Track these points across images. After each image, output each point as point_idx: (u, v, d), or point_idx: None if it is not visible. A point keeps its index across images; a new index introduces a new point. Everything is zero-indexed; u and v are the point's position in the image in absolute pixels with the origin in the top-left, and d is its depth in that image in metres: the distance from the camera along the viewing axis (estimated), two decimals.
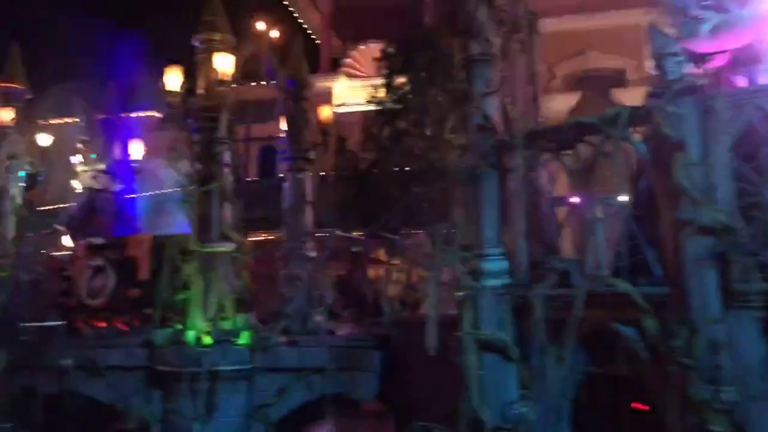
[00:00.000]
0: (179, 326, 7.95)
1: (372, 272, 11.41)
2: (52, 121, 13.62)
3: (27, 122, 10.22)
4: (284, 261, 10.10)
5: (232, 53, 8.42)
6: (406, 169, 12.98)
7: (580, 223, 5.51)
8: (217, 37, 8.46)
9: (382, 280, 11.15)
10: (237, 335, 7.66)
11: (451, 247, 5.98)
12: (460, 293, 5.80)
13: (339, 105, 25.33)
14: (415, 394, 6.97)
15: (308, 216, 10.01)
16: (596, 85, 19.01)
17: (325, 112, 10.45)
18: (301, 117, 10.25)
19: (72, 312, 9.20)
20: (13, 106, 10.13)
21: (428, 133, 14.37)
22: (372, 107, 15.25)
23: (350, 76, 24.82)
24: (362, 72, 20.73)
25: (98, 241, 9.08)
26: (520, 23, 6.84)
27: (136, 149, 12.16)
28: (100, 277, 8.71)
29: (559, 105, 19.80)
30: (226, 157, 8.21)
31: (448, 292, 6.74)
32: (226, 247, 8.01)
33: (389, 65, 15.36)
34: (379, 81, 15.37)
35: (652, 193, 4.93)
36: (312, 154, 10.25)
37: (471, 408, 5.55)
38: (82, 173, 13.01)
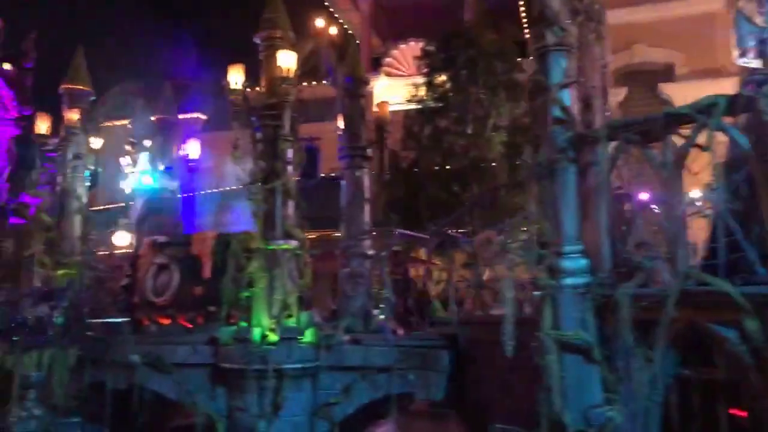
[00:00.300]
0: (244, 324, 7.96)
1: (412, 272, 11.29)
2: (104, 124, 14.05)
3: (91, 123, 10.42)
4: (342, 259, 10.08)
5: (294, 50, 8.39)
6: (447, 167, 12.75)
7: (666, 218, 5.26)
8: (279, 34, 8.45)
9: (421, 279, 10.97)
10: (302, 333, 7.62)
11: (526, 244, 5.80)
12: (539, 292, 5.61)
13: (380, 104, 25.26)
14: (485, 395, 6.80)
15: (366, 213, 9.94)
16: (643, 80, 18.23)
17: (382, 110, 10.30)
18: (358, 114, 10.19)
19: (136, 309, 9.34)
20: (78, 107, 10.37)
21: (469, 131, 14.23)
22: (412, 106, 15.14)
23: (390, 75, 24.79)
24: (402, 71, 20.63)
25: (162, 239, 9.18)
26: (593, 12, 6.58)
27: (194, 148, 12.31)
28: (164, 274, 8.81)
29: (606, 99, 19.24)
30: (289, 154, 8.18)
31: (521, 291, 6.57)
32: (290, 244, 7.98)
33: (430, 63, 15.21)
34: (420, 79, 15.25)
35: (752, 186, 4.66)
36: (369, 152, 10.17)
37: (551, 410, 5.36)
38: (131, 174, 13.27)
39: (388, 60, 24.08)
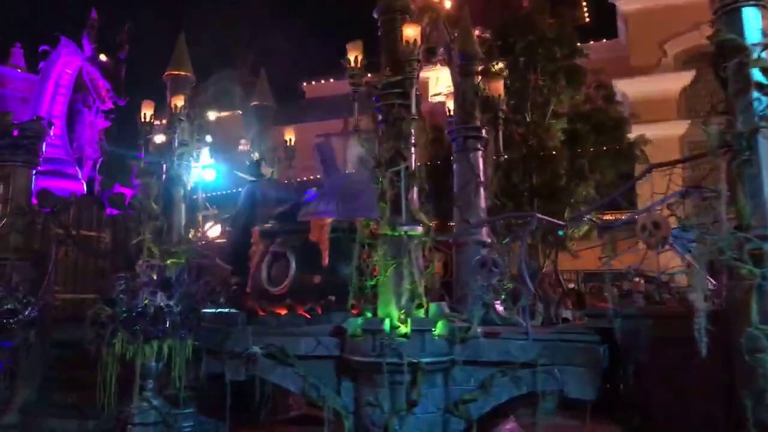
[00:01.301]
0: (369, 314, 7.54)
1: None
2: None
3: (193, 110, 10.20)
4: (456, 246, 9.55)
5: (416, 24, 7.86)
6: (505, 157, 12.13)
7: None
8: (399, 6, 7.95)
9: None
10: (435, 325, 7.12)
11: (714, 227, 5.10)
12: (738, 282, 4.93)
13: (435, 94, 24.79)
14: (649, 396, 6.15)
15: (482, 199, 9.37)
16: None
17: (494, 87, 9.68)
18: (471, 92, 9.61)
19: (248, 299, 9.08)
20: (183, 94, 10.16)
21: (528, 119, 13.50)
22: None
23: (446, 64, 24.04)
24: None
25: (277, 226, 8.86)
26: None
27: (289, 135, 12.00)
28: (280, 263, 8.47)
29: (671, 84, 18.04)
30: (413, 135, 7.69)
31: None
32: (416, 230, 7.49)
33: (487, 51, 14.51)
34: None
35: None
36: (485, 132, 9.58)
37: (762, 414, 4.68)
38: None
39: (443, 50, 23.32)
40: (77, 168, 15.05)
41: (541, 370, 6.77)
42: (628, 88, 17.29)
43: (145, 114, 9.72)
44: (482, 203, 9.28)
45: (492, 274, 7.34)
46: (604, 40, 20.95)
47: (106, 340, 7.86)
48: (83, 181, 15.05)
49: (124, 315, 7.91)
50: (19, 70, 15.65)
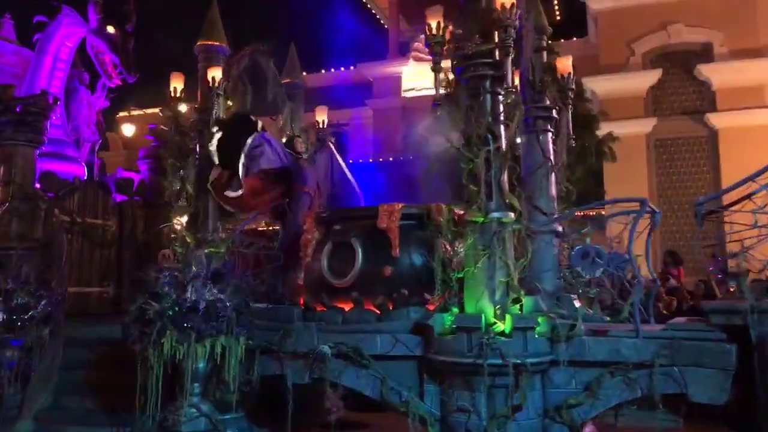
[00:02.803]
0: (455, 309, 6.78)
1: None
2: None
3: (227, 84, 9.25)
4: (519, 238, 8.84)
5: None
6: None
7: None
8: None
9: None
10: (537, 322, 6.40)
11: None
12: None
13: (408, 90, 24.35)
14: None
15: (553, 185, 8.67)
16: (680, 61, 17.45)
17: (563, 65, 9.00)
18: (540, 70, 8.87)
19: (302, 292, 8.22)
20: (219, 66, 9.20)
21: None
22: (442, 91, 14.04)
23: (419, 60, 23.75)
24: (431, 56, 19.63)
25: (337, 212, 8.01)
26: None
27: (322, 114, 11.13)
28: (343, 252, 7.64)
29: (639, 82, 18.30)
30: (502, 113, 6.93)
31: None
32: (509, 217, 6.75)
33: (459, 47, 14.00)
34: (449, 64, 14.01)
35: None
36: (554, 112, 8.88)
37: None
38: None
39: (416, 45, 23.01)
40: (77, 150, 13.84)
41: (659, 372, 6.12)
42: (597, 85, 17.55)
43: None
44: (553, 190, 8.57)
45: (596, 265, 6.66)
46: (575, 39, 21.30)
47: (152, 339, 6.90)
48: (84, 165, 13.87)
49: (174, 311, 6.97)
50: (10, 44, 14.31)
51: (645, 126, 17.74)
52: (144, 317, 7.03)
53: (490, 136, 6.77)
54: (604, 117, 16.10)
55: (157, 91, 10.34)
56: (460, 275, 6.73)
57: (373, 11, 26.31)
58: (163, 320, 6.92)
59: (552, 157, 8.66)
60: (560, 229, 8.47)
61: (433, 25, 7.06)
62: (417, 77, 22.98)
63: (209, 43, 9.30)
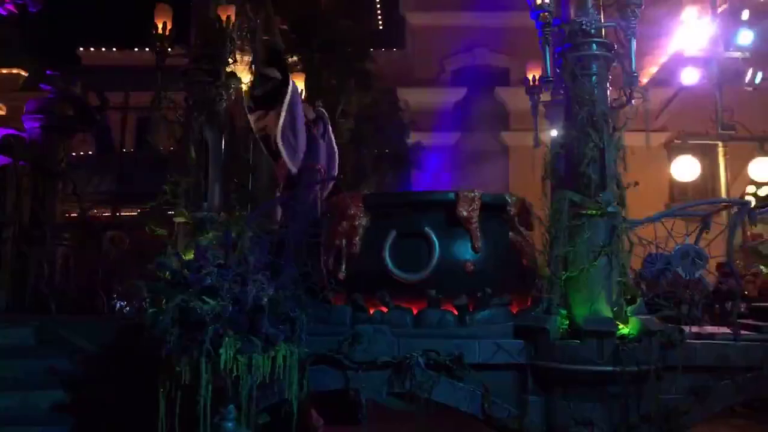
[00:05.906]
0: (563, 311, 6.11)
1: None
2: None
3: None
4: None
5: None
6: None
7: None
8: None
9: None
10: (660, 326, 5.98)
11: None
12: None
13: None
14: None
15: None
16: (482, 81, 19.10)
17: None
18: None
19: (348, 288, 6.89)
20: (233, 4, 7.41)
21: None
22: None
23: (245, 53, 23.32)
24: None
25: (402, 197, 6.81)
26: None
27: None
28: (413, 243, 6.55)
29: (447, 97, 20.19)
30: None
31: None
32: (621, 210, 6.25)
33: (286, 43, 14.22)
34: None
35: None
36: None
37: None
38: None
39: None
40: None
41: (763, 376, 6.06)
42: (409, 96, 18.36)
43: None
44: None
45: (696, 266, 6.43)
46: (394, 49, 22.02)
47: (205, 348, 5.17)
48: None
49: (233, 311, 5.30)
50: None
51: (450, 138, 18.91)
52: (188, 320, 5.24)
53: (604, 122, 6.20)
54: (414, 127, 16.85)
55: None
56: (574, 274, 6.04)
57: None
58: (220, 323, 5.22)
59: None
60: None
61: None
62: (239, 72, 22.15)
63: None
